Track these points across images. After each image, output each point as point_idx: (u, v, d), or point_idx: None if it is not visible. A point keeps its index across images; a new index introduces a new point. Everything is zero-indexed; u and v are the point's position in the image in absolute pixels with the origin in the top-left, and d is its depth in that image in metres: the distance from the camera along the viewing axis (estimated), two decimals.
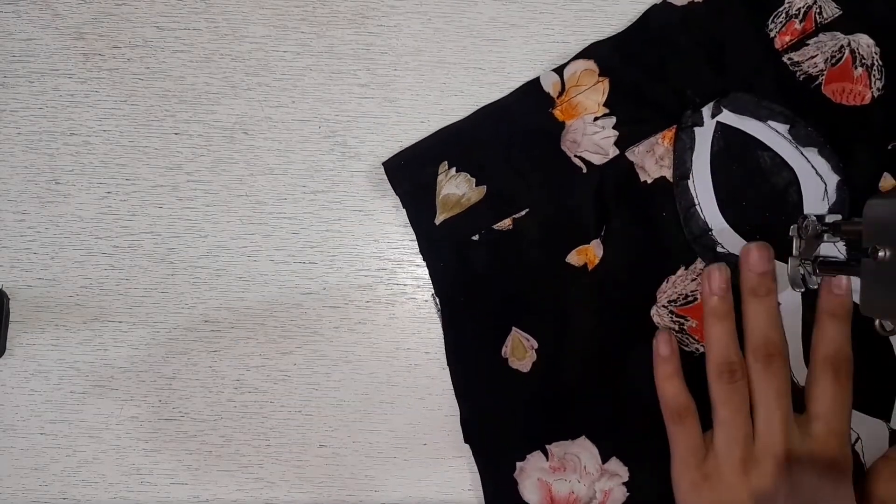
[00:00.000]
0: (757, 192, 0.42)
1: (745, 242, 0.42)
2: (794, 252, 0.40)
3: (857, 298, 0.40)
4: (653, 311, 0.43)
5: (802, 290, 0.41)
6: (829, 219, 0.40)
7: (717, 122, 0.42)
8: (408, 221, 0.44)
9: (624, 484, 0.43)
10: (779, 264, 0.41)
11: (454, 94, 0.45)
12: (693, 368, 0.42)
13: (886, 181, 0.42)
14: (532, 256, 0.43)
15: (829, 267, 0.40)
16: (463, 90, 0.45)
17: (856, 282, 0.38)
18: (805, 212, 0.42)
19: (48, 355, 0.45)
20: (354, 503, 0.45)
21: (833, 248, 0.41)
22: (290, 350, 0.45)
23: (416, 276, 0.45)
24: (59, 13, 0.45)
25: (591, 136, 0.43)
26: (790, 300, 0.42)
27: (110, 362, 0.45)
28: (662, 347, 0.42)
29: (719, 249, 0.42)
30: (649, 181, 0.43)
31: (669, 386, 0.41)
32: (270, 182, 0.45)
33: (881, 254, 0.34)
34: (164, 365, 0.45)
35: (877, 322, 0.39)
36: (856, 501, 0.39)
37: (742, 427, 0.40)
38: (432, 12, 0.45)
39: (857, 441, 0.42)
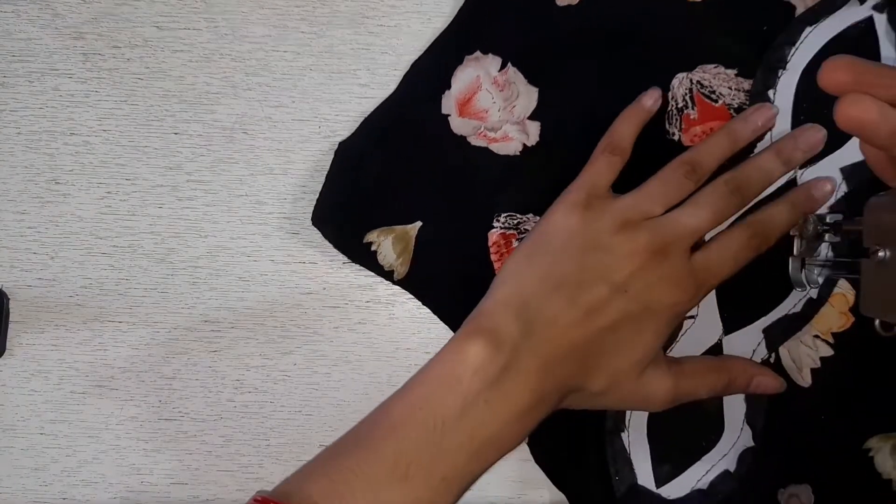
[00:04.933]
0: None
1: (790, 108, 0.42)
2: (795, 252, 0.40)
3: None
4: (680, 75, 0.43)
5: (803, 289, 0.41)
6: (830, 219, 0.40)
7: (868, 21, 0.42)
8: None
9: (524, 145, 0.44)
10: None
11: None
12: (658, 148, 0.42)
13: None
14: None
15: (830, 266, 0.40)
16: None
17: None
18: (849, 141, 0.41)
19: (48, 355, 0.45)
20: None
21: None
22: (290, 350, 0.45)
23: None
24: (59, 13, 0.45)
25: None
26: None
27: (110, 362, 0.45)
28: (647, 98, 0.42)
29: (770, 93, 0.42)
30: (791, 2, 0.43)
31: (625, 126, 0.41)
32: (270, 182, 0.45)
33: (881, 254, 0.34)
34: (164, 365, 0.45)
35: (877, 322, 0.39)
36: (663, 342, 0.39)
37: (654, 203, 0.39)
38: (432, 12, 0.45)
39: (690, 319, 0.42)
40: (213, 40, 0.45)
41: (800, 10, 0.42)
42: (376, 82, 0.45)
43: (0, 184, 0.45)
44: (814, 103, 0.42)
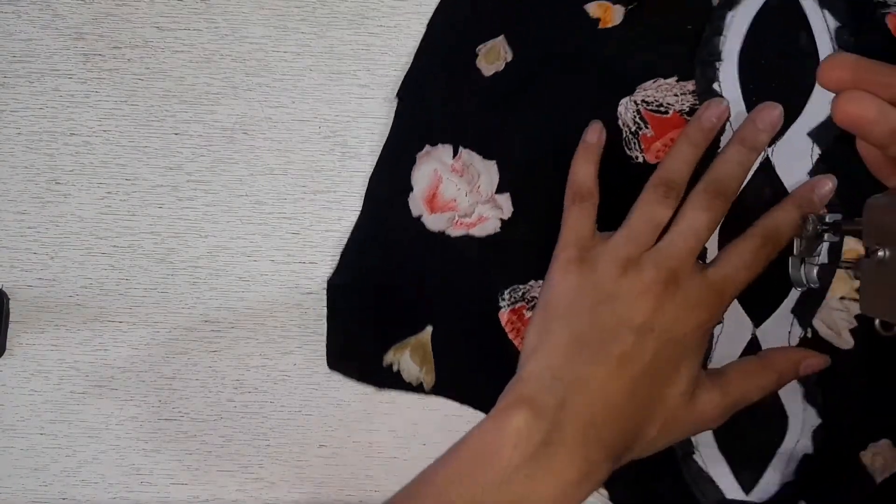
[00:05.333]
0: (780, 61, 0.42)
1: (740, 93, 0.42)
2: (795, 252, 0.41)
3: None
4: (623, 101, 0.43)
5: (803, 289, 0.41)
6: (830, 218, 0.40)
7: None
8: None
9: (501, 220, 0.43)
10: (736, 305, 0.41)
11: None
12: (627, 174, 0.42)
13: None
14: None
15: (830, 266, 0.40)
16: None
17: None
18: (807, 104, 0.42)
19: (48, 355, 0.45)
20: (354, 503, 0.45)
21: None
22: (290, 350, 0.45)
23: None
24: (59, 13, 0.45)
25: None
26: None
27: (110, 362, 0.45)
28: (591, 134, 0.42)
29: (715, 86, 0.42)
30: None
31: (582, 169, 0.41)
32: (270, 182, 0.45)
33: (881, 254, 0.34)
34: (164, 365, 0.45)
35: (877, 322, 0.39)
36: (702, 361, 0.39)
37: (645, 233, 0.39)
38: (432, 13, 0.45)
39: (719, 325, 0.42)
40: (213, 41, 0.45)
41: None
42: (376, 82, 0.45)
43: (0, 184, 0.45)
44: (760, 82, 0.42)
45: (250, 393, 0.45)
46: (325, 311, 0.45)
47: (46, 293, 0.45)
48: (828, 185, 0.41)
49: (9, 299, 0.45)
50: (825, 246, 0.41)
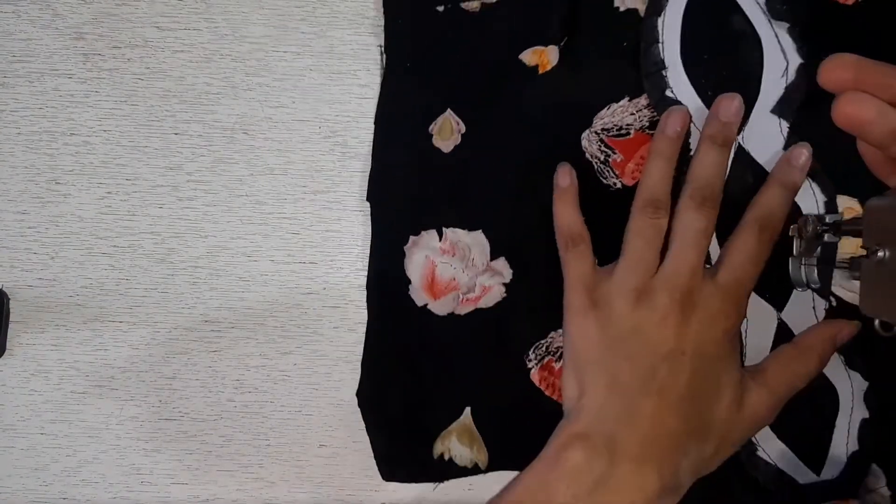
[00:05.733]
0: (721, 50, 0.42)
1: (694, 92, 0.42)
2: (794, 252, 0.41)
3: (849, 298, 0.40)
4: (584, 135, 0.43)
5: (803, 289, 0.41)
6: (830, 219, 0.40)
7: None
8: None
9: (504, 284, 0.43)
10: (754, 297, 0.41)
11: None
12: (607, 202, 0.42)
13: None
14: (489, 44, 0.43)
15: (830, 267, 0.40)
16: None
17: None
18: (762, 83, 0.42)
19: (48, 355, 0.45)
20: (354, 503, 0.45)
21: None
22: (290, 350, 0.45)
23: None
24: (59, 13, 0.45)
25: None
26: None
27: (110, 362, 0.45)
28: (562, 179, 0.42)
29: (667, 92, 0.42)
30: (622, 9, 0.43)
31: (565, 214, 0.41)
32: (270, 182, 0.45)
33: (881, 254, 0.34)
34: (164, 365, 0.45)
35: (876, 322, 0.39)
36: (740, 364, 0.39)
37: (646, 259, 0.39)
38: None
39: (744, 321, 0.42)
40: (213, 41, 0.45)
41: (642, 8, 0.43)
42: (376, 83, 0.45)
43: (0, 184, 0.45)
44: (710, 76, 0.42)
45: (250, 393, 0.45)
46: (325, 310, 0.45)
47: (47, 293, 0.45)
48: (803, 153, 0.40)
49: (9, 299, 0.45)
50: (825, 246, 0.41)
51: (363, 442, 0.45)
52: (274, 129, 0.45)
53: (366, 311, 0.45)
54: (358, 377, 0.45)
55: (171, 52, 0.45)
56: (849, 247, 0.41)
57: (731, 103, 0.40)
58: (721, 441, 0.38)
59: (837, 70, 0.29)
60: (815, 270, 0.40)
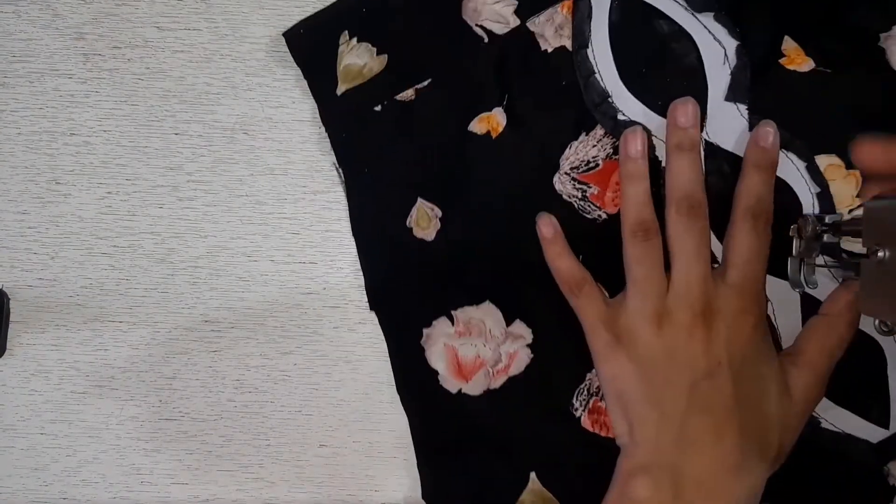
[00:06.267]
0: (657, 59, 0.42)
1: (644, 108, 0.42)
2: (794, 252, 0.40)
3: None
4: (555, 179, 0.43)
5: (802, 290, 0.41)
6: (829, 219, 0.40)
7: None
8: None
9: (528, 345, 0.43)
10: (771, 279, 0.41)
11: None
12: (596, 235, 0.42)
13: (788, 44, 0.42)
14: (435, 126, 0.44)
15: (830, 266, 0.40)
16: None
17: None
18: (707, 76, 0.42)
19: (48, 355, 0.45)
20: (354, 503, 0.45)
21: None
22: (290, 350, 0.45)
23: None
24: (59, 13, 0.45)
25: (491, 6, 0.43)
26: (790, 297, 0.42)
27: (110, 362, 0.45)
28: (545, 230, 0.42)
29: (620, 117, 0.42)
30: (550, 50, 0.43)
31: (561, 263, 0.42)
32: (270, 182, 0.45)
33: (881, 254, 0.34)
34: (164, 365, 0.45)
35: (876, 322, 0.39)
36: (775, 353, 0.39)
37: (655, 282, 0.39)
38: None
39: (768, 306, 0.42)
40: (213, 41, 0.45)
41: (568, 44, 0.43)
42: None
43: (0, 184, 0.45)
44: (656, 90, 0.42)
45: (250, 393, 0.45)
46: (325, 310, 0.45)
47: (47, 293, 0.45)
48: (769, 132, 0.40)
49: (9, 299, 0.45)
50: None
51: (363, 442, 0.45)
52: (274, 129, 0.45)
53: (366, 312, 0.45)
54: (358, 377, 0.45)
55: (171, 52, 0.45)
56: (844, 202, 0.42)
57: (685, 108, 0.40)
58: (782, 433, 0.38)
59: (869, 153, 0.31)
60: (815, 271, 0.40)
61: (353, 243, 0.45)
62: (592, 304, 0.41)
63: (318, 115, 0.45)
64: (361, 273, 0.45)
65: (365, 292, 0.45)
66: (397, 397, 0.45)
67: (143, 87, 0.45)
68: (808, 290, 0.41)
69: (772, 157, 0.40)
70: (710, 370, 0.38)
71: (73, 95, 0.45)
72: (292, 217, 0.45)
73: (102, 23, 0.45)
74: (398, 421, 0.45)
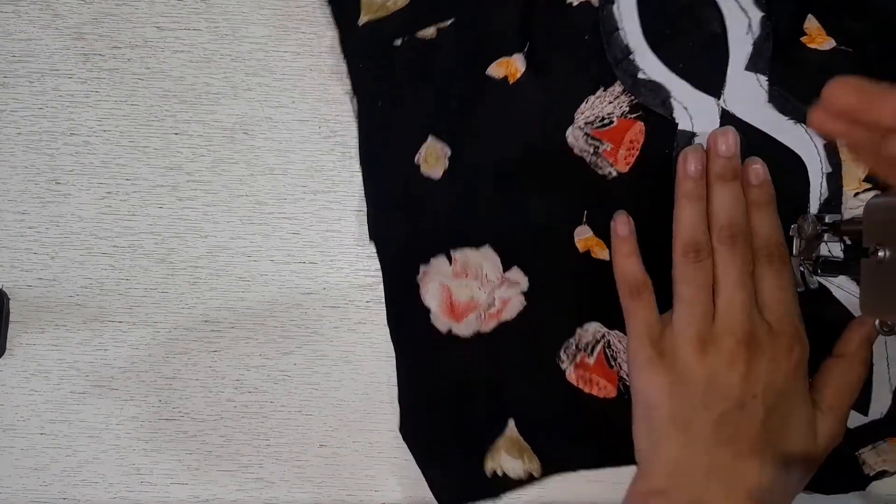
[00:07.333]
0: (682, 21, 0.42)
1: (665, 68, 0.42)
2: (794, 252, 0.40)
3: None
4: (569, 132, 0.43)
5: (802, 289, 0.41)
6: (829, 219, 0.40)
7: None
8: None
9: (523, 293, 0.43)
10: None
11: None
12: (609, 192, 0.43)
13: (811, 23, 0.42)
14: (454, 66, 0.43)
15: (830, 267, 0.40)
16: None
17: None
18: (729, 44, 0.42)
19: (48, 355, 0.45)
20: (354, 503, 0.45)
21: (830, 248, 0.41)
22: (290, 350, 0.45)
23: None
24: (59, 13, 0.45)
25: None
26: None
27: (110, 362, 0.45)
28: (620, 228, 0.42)
29: (640, 75, 0.42)
30: (574, 3, 0.43)
31: (627, 263, 0.41)
32: (271, 182, 0.45)
33: (881, 254, 0.34)
34: (164, 365, 0.45)
35: (876, 322, 0.39)
36: (809, 396, 0.39)
37: (703, 305, 0.39)
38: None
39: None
40: (213, 40, 0.45)
41: (594, 0, 0.43)
42: None
43: (0, 184, 0.45)
44: (678, 51, 0.42)
45: (250, 393, 0.45)
46: (325, 310, 0.45)
47: (47, 293, 0.45)
48: (758, 167, 0.40)
49: (9, 299, 0.45)
50: (824, 246, 0.41)
51: (363, 442, 0.45)
52: (274, 129, 0.45)
53: (366, 312, 0.45)
54: (358, 377, 0.45)
55: (171, 52, 0.45)
56: (851, 183, 0.42)
57: (726, 137, 0.40)
58: (802, 471, 0.39)
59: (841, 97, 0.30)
60: (815, 270, 0.40)
61: (354, 243, 0.45)
62: (646, 313, 0.41)
63: (318, 115, 0.45)
64: (361, 273, 0.45)
65: (363, 290, 0.45)
66: (397, 398, 0.45)
67: (143, 87, 0.45)
68: (809, 288, 0.41)
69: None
70: (743, 402, 0.38)
71: (73, 95, 0.45)
72: (292, 217, 0.45)
73: (102, 23, 0.45)
74: (398, 420, 0.45)
